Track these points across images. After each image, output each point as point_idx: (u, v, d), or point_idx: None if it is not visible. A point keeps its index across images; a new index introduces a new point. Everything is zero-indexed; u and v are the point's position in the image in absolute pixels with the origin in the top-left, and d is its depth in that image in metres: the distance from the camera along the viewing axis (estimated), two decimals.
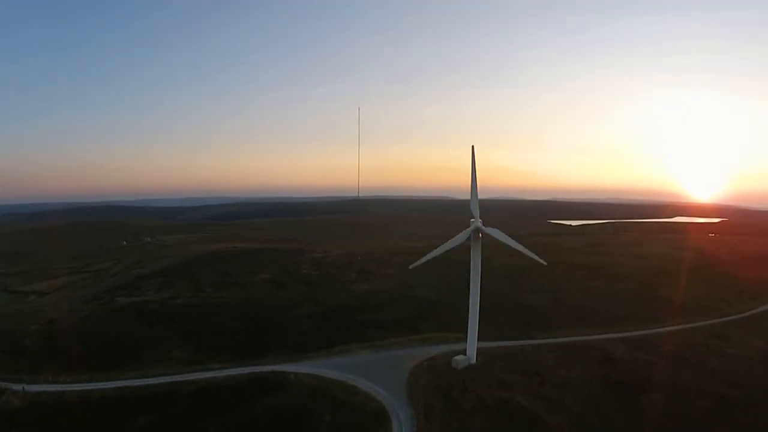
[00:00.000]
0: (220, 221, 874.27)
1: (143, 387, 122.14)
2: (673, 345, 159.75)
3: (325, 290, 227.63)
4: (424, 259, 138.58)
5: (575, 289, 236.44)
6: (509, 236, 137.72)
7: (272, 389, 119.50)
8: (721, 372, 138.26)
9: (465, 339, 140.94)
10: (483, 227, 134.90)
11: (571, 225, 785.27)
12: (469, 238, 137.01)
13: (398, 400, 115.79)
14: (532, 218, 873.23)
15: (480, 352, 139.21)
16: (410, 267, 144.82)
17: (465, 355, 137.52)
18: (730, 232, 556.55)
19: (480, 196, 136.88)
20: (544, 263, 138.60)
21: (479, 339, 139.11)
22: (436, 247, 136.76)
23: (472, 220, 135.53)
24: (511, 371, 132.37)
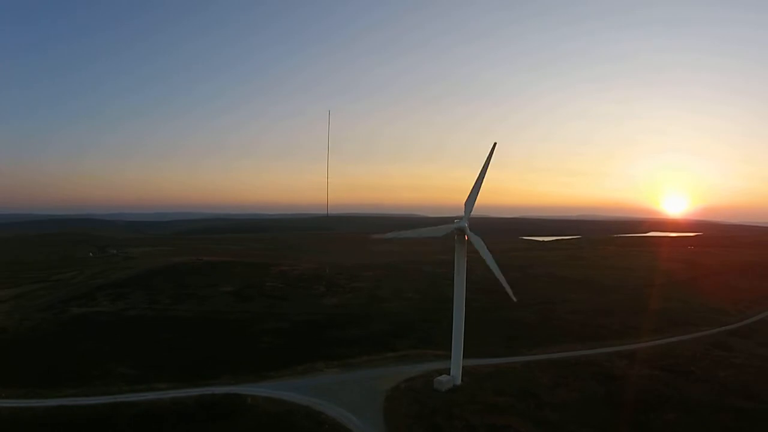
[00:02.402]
0: (189, 236, 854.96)
1: (80, 408, 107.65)
2: (675, 358, 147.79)
3: (291, 304, 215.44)
4: (395, 234, 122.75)
5: (562, 302, 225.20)
6: (489, 252, 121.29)
7: (226, 416, 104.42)
8: (732, 384, 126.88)
9: (446, 356, 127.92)
10: (467, 229, 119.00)
11: (543, 240, 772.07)
12: (453, 240, 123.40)
13: (373, 428, 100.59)
14: (505, 234, 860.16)
15: (465, 371, 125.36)
16: (377, 236, 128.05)
17: (449, 375, 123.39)
18: (708, 245, 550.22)
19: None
20: (515, 299, 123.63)
21: (463, 357, 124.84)
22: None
23: (457, 219, 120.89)
24: (503, 393, 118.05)
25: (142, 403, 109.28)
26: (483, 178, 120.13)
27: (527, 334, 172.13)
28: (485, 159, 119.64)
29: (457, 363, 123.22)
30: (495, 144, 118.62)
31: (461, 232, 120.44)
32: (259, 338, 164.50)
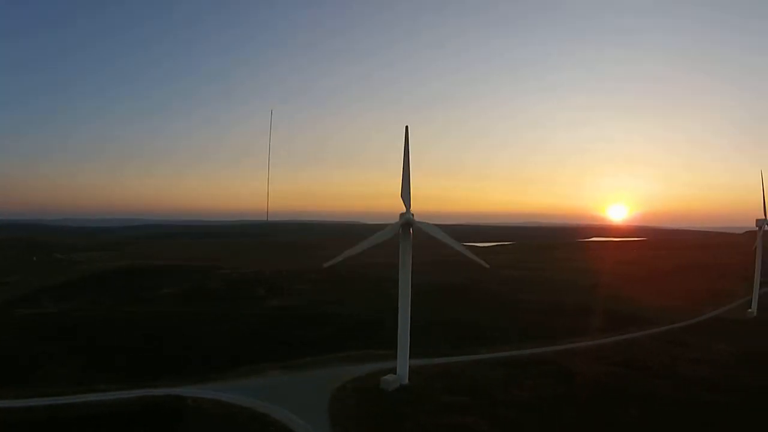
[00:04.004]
0: (134, 241, 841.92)
1: (20, 410, 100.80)
2: (631, 354, 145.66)
3: (233, 306, 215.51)
4: (340, 257, 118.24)
5: (511, 303, 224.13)
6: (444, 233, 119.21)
7: (167, 417, 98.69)
8: (693, 378, 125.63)
9: (391, 356, 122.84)
10: (415, 220, 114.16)
11: (484, 246, 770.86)
12: (398, 239, 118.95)
13: (320, 429, 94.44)
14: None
15: (412, 371, 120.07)
16: (324, 265, 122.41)
17: (395, 374, 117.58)
18: (654, 248, 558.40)
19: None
20: (486, 265, 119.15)
21: (409, 357, 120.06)
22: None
23: (402, 213, 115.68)
24: (453, 392, 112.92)
25: (83, 405, 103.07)
26: (408, 166, 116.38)
27: (475, 334, 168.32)
28: (404, 147, 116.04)
29: (403, 361, 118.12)
30: (407, 127, 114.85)
31: (408, 225, 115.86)
32: (201, 340, 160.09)
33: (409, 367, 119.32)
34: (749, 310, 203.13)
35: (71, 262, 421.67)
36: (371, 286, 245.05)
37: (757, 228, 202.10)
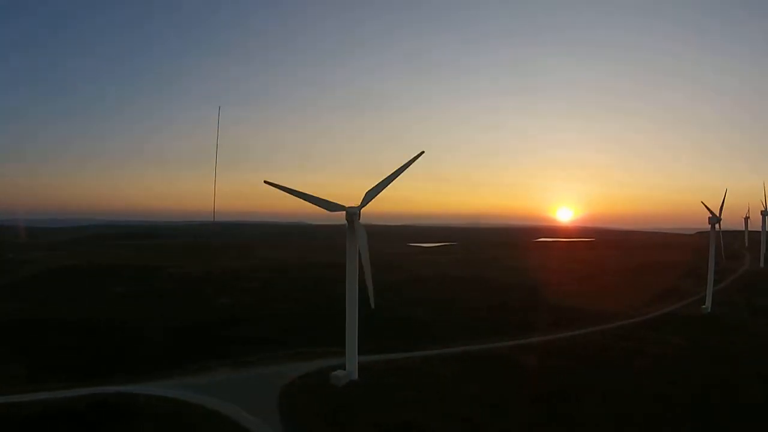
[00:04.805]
0: (83, 241, 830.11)
1: None
2: (584, 349, 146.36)
3: (181, 305, 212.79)
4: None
5: (457, 301, 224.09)
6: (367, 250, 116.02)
7: (118, 415, 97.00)
8: (650, 371, 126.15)
9: (339, 353, 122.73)
10: (358, 216, 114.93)
11: (430, 246, 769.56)
12: (342, 241, 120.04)
13: (270, 426, 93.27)
14: (392, 241, 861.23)
15: (361, 367, 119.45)
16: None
17: (344, 370, 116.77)
18: (602, 248, 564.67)
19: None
20: (372, 306, 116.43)
21: (359, 353, 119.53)
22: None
23: (349, 207, 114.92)
24: (405, 388, 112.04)
25: (32, 404, 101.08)
26: (395, 177, 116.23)
27: (425, 330, 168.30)
28: (408, 161, 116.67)
29: (352, 357, 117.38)
30: (422, 153, 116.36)
31: (351, 216, 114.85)
32: (149, 339, 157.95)
33: (359, 363, 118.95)
34: (703, 306, 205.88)
35: (20, 261, 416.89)
36: (318, 284, 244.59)
37: (710, 225, 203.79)
